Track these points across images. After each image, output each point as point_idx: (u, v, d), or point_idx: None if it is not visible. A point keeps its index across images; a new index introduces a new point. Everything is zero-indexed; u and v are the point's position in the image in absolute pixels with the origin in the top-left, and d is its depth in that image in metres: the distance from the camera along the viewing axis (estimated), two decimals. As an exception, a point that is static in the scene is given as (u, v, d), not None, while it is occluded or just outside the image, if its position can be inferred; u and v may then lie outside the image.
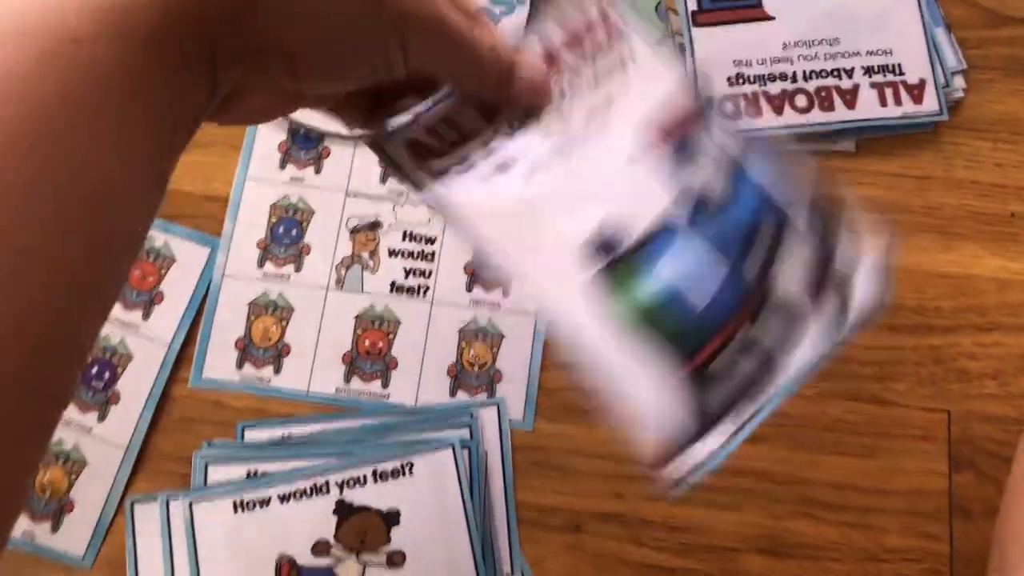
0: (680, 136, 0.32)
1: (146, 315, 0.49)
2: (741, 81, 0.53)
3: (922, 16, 0.53)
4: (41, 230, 0.20)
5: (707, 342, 0.30)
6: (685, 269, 0.30)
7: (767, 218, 0.31)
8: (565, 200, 0.31)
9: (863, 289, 0.31)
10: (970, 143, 0.53)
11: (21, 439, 0.21)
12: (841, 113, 0.52)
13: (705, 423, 0.30)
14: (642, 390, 0.29)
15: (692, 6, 0.54)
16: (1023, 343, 0.50)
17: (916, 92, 0.52)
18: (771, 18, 0.54)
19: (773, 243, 0.31)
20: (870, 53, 0.53)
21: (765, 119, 0.52)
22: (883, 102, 0.52)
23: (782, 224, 0.31)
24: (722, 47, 0.53)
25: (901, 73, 0.53)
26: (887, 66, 0.53)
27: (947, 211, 0.52)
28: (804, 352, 0.30)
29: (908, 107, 0.52)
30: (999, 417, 0.48)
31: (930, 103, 0.52)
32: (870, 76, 0.53)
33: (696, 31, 0.53)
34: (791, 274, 0.31)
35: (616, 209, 0.31)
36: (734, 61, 0.53)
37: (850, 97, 0.52)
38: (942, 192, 0.52)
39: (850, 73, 0.53)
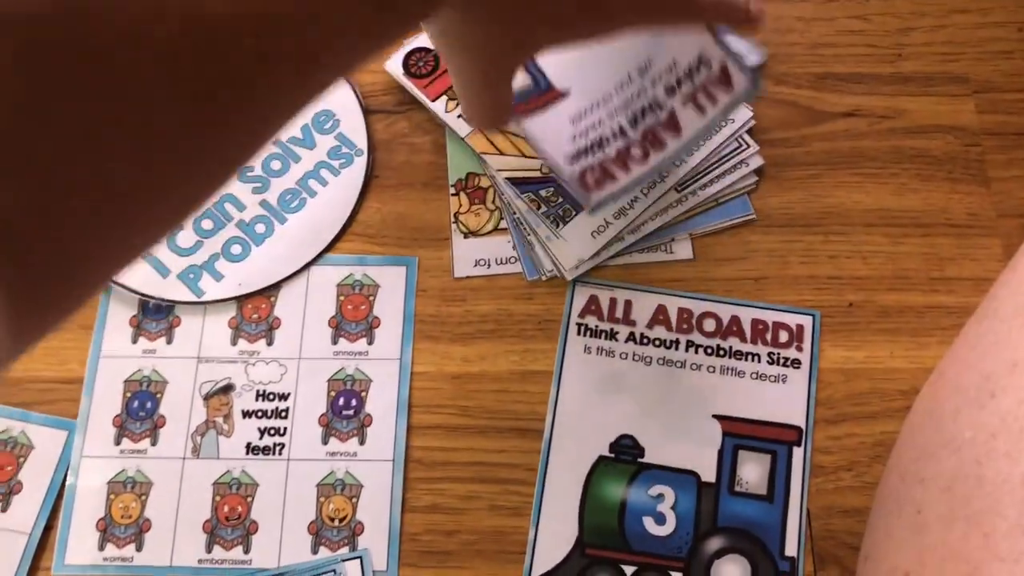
0: None
1: (4, 507, 0.49)
2: (582, 155, 0.52)
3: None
4: None
5: None
6: None
7: None
8: None
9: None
10: (802, 239, 0.55)
11: None
12: (673, 143, 0.48)
13: None
14: None
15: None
16: (874, 431, 0.51)
17: (723, 81, 0.45)
18: (565, 94, 0.53)
19: None
20: (661, 75, 0.49)
21: (622, 180, 0.50)
22: (700, 110, 0.47)
23: None
24: (545, 135, 0.53)
25: (699, 69, 0.46)
26: (684, 71, 0.47)
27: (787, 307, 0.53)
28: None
29: (722, 98, 0.46)
30: (857, 509, 0.49)
31: (740, 83, 0.45)
32: (675, 93, 0.48)
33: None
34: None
35: None
36: (568, 139, 0.52)
37: (672, 124, 0.48)
38: (780, 290, 0.54)
39: (659, 104, 0.49)
